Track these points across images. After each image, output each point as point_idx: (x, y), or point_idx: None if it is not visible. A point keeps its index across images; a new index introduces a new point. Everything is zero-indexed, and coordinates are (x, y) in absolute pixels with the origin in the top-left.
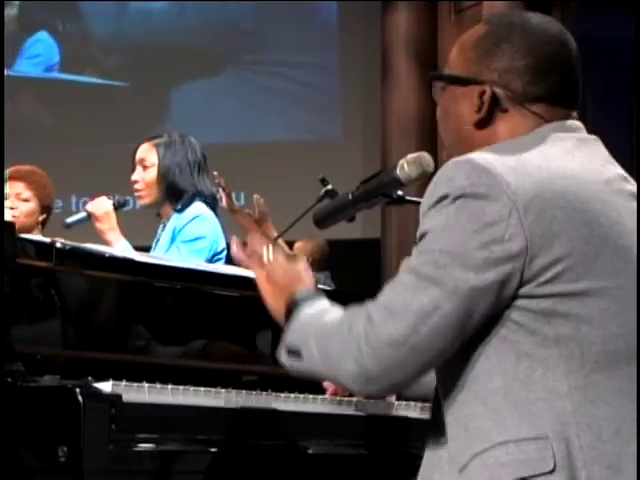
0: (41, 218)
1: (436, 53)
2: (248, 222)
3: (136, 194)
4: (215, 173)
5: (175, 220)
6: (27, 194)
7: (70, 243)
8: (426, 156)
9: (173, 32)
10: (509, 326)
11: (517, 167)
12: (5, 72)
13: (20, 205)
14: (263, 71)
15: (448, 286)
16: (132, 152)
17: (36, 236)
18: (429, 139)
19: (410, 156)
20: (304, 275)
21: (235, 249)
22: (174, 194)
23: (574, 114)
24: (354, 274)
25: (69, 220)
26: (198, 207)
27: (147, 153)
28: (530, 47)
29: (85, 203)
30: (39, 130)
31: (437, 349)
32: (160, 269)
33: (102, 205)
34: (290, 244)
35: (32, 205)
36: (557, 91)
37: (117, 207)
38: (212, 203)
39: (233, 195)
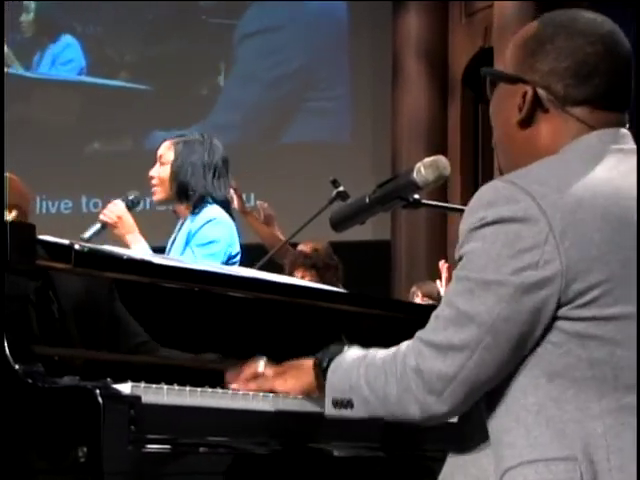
0: (10, 217)
1: (447, 56)
2: (258, 224)
3: (152, 190)
4: (230, 188)
5: (190, 223)
6: None
7: (88, 245)
8: (443, 159)
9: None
10: (544, 345)
11: (557, 187)
12: (24, 73)
13: None
14: (273, 74)
15: (484, 320)
16: (154, 151)
17: (53, 238)
18: (439, 141)
19: (427, 160)
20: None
21: (231, 379)
22: (185, 193)
23: (624, 118)
24: (364, 276)
25: (86, 235)
26: (213, 210)
27: (166, 150)
28: (573, 49)
29: (96, 206)
30: (51, 131)
31: (488, 377)
32: (178, 271)
33: (114, 210)
34: (296, 246)
35: None
36: (602, 94)
37: (130, 207)
38: (227, 207)
39: (244, 196)
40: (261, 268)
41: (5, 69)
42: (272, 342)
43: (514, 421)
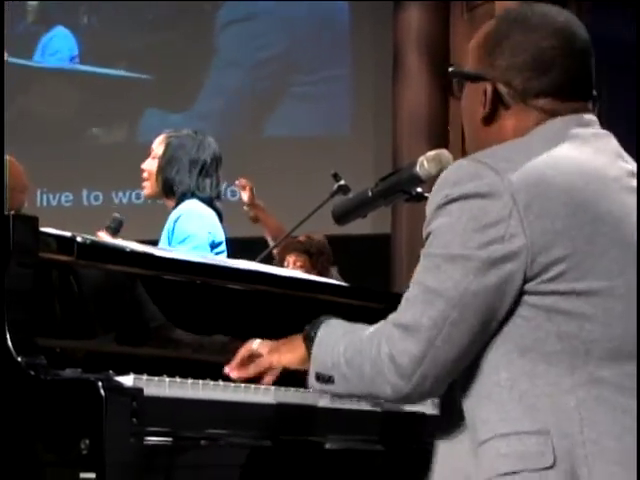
0: None
1: (448, 51)
2: (266, 217)
3: (142, 184)
4: (236, 182)
5: (170, 218)
6: None
7: (91, 237)
8: (446, 153)
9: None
10: (514, 320)
11: (522, 163)
12: (22, 62)
13: None
14: (275, 68)
15: (451, 295)
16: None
17: (55, 230)
18: (440, 136)
19: (430, 153)
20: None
21: (229, 368)
22: (170, 189)
23: (589, 106)
24: (364, 269)
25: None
26: (186, 204)
27: (157, 145)
28: (529, 43)
29: (97, 199)
30: (49, 122)
31: (457, 354)
32: (180, 264)
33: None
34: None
35: None
36: (561, 85)
37: (113, 232)
38: (209, 203)
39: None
40: (263, 261)
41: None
42: (272, 334)
43: (487, 397)
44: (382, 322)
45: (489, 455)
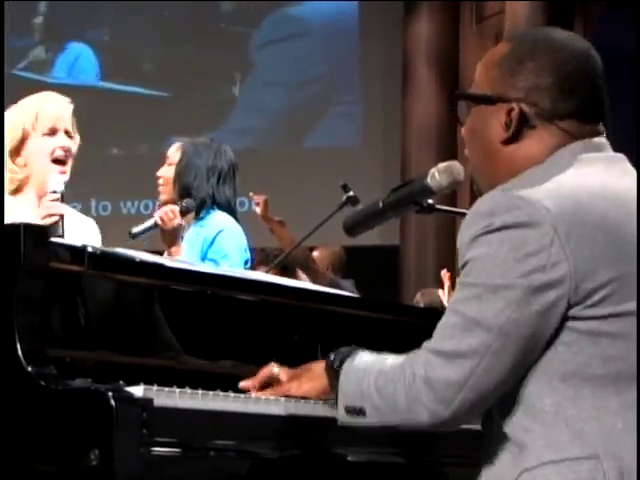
0: None
1: (457, 62)
2: (280, 230)
3: (158, 189)
4: (251, 194)
5: (199, 228)
6: None
7: (101, 247)
8: (457, 165)
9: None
10: (555, 346)
11: (555, 190)
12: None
13: None
14: (283, 79)
15: (492, 325)
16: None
17: (66, 240)
18: (449, 147)
19: (441, 165)
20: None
21: (245, 385)
22: (188, 195)
23: (601, 128)
24: (373, 281)
25: (135, 230)
26: (220, 218)
27: (173, 152)
28: (556, 64)
29: (105, 209)
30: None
31: (498, 383)
32: (190, 274)
33: (172, 215)
34: (311, 250)
35: None
36: (585, 107)
37: (184, 212)
38: (231, 212)
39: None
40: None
41: (20, 73)
42: (282, 345)
43: (531, 422)
44: (415, 351)
45: None
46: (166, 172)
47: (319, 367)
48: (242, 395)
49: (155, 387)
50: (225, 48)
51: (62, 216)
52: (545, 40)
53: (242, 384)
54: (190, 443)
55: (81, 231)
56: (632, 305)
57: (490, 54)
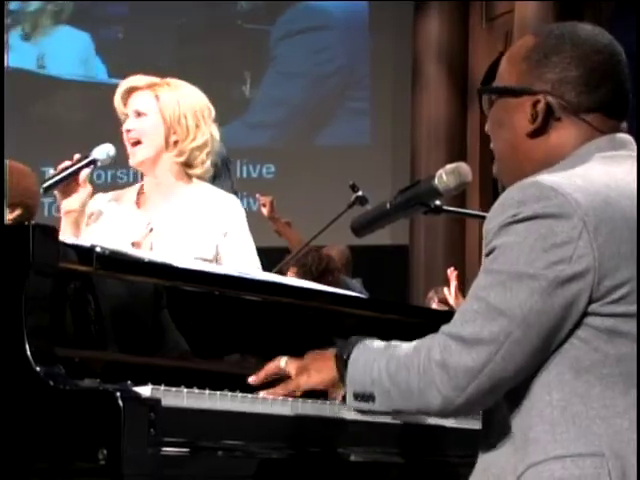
0: (12, 215)
1: (467, 60)
2: (286, 230)
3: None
4: (257, 195)
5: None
6: None
7: (110, 247)
8: (464, 166)
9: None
10: (571, 341)
11: (585, 185)
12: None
13: None
14: (293, 76)
15: (515, 314)
16: None
17: (75, 240)
18: (458, 146)
19: (449, 166)
20: (321, 350)
21: (255, 380)
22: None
23: (624, 125)
24: (382, 280)
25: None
26: None
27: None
28: (582, 58)
29: None
30: (72, 131)
31: (514, 372)
32: (198, 274)
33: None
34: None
35: None
36: (610, 101)
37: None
38: None
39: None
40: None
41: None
42: (290, 345)
43: (539, 417)
44: (430, 336)
45: (543, 478)
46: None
47: (327, 358)
48: (249, 395)
49: (163, 387)
50: (241, 46)
51: None
52: (571, 34)
53: (250, 379)
54: (198, 443)
55: (222, 209)
56: None
57: (515, 47)
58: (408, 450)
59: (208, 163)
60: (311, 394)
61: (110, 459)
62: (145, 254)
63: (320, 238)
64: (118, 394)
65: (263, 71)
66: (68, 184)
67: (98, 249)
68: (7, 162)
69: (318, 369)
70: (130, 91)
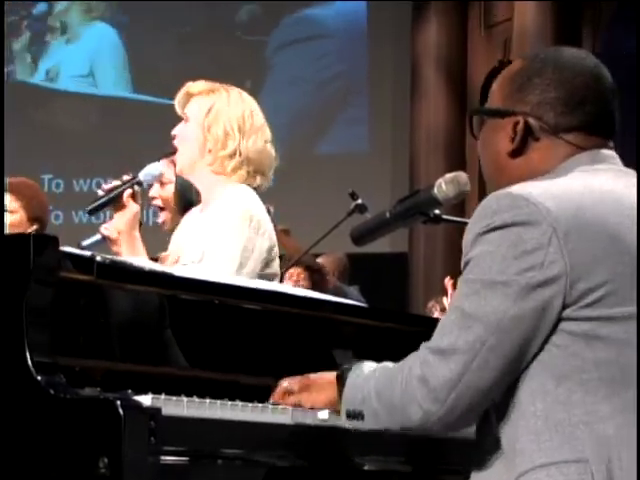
0: (30, 229)
1: (466, 68)
2: (285, 238)
3: (157, 209)
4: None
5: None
6: (13, 206)
7: (110, 257)
8: (463, 176)
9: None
10: (549, 349)
11: (558, 194)
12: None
13: (6, 217)
14: (291, 84)
15: (490, 321)
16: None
17: (75, 250)
18: (457, 152)
19: (448, 175)
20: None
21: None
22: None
23: (610, 144)
24: (381, 288)
25: (84, 243)
26: None
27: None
28: (562, 80)
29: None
30: (74, 142)
31: (491, 381)
32: (198, 284)
33: (114, 226)
34: (315, 257)
35: (18, 217)
36: (591, 121)
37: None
38: None
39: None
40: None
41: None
42: (289, 354)
43: (525, 428)
44: (414, 352)
45: None
46: (162, 191)
47: (329, 378)
48: (250, 404)
49: (163, 396)
50: (240, 57)
51: None
52: (555, 57)
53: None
54: (198, 452)
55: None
56: (625, 310)
57: (505, 71)
58: (414, 458)
59: (242, 172)
60: None
61: (111, 467)
62: (145, 263)
63: (319, 246)
64: (119, 403)
65: (263, 80)
66: (115, 206)
67: (98, 258)
68: (19, 178)
69: (319, 389)
70: (186, 96)
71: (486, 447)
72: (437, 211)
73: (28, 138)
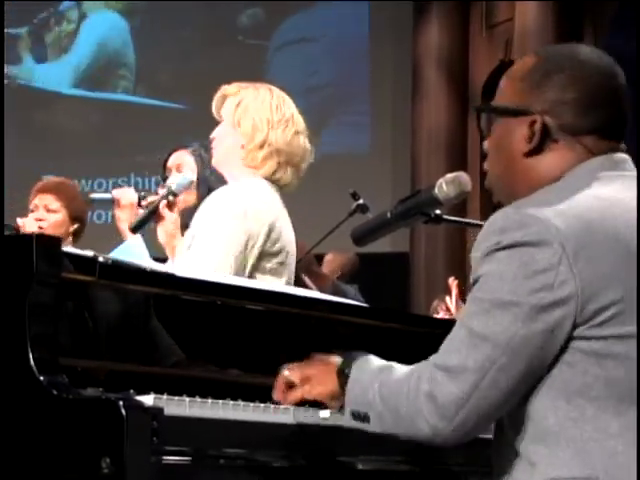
0: (72, 229)
1: (467, 68)
2: None
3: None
4: None
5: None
6: (55, 205)
7: (112, 257)
8: (464, 176)
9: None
10: (559, 366)
11: (567, 210)
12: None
13: (48, 217)
14: (292, 85)
15: (499, 340)
16: (163, 161)
17: (76, 249)
18: (458, 152)
19: (448, 176)
20: (326, 357)
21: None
22: None
23: (622, 146)
24: (383, 287)
25: (94, 195)
26: None
27: (182, 158)
28: (580, 79)
29: (99, 217)
30: (77, 145)
31: (500, 400)
32: (200, 284)
33: (128, 195)
34: (320, 257)
35: (60, 216)
36: (607, 124)
37: (140, 203)
38: None
39: None
40: None
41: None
42: (291, 355)
43: (537, 442)
44: (421, 363)
45: None
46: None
47: (330, 370)
48: (251, 404)
49: (165, 396)
50: (241, 61)
51: None
52: (571, 55)
53: (274, 396)
54: (200, 452)
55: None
56: (635, 328)
57: (516, 66)
58: (413, 458)
59: (272, 162)
60: (311, 403)
61: (113, 468)
62: (147, 264)
63: (321, 246)
64: (121, 403)
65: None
66: (155, 219)
67: (101, 259)
68: (59, 178)
69: (321, 381)
70: (221, 99)
71: (504, 457)
72: (438, 211)
73: (28, 138)
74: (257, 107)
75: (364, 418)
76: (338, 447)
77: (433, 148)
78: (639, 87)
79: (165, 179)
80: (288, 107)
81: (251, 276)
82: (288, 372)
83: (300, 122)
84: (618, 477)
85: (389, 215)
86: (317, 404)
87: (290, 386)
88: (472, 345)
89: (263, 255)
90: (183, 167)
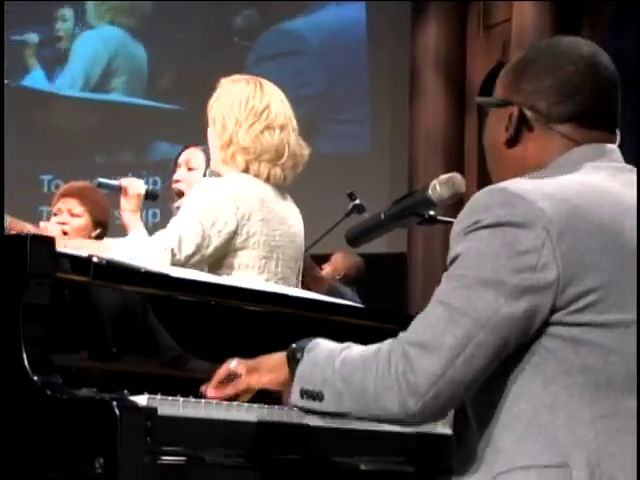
0: (94, 233)
1: (464, 69)
2: None
3: (175, 195)
4: None
5: None
6: (79, 210)
7: (107, 258)
8: (458, 177)
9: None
10: (538, 351)
11: (554, 193)
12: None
13: (72, 221)
14: (291, 83)
15: (480, 316)
16: (174, 158)
17: (74, 251)
18: (456, 154)
19: (442, 177)
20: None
21: (207, 387)
22: None
23: (613, 137)
24: (380, 289)
25: (102, 180)
26: None
27: (193, 155)
28: (555, 68)
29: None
30: (75, 144)
31: (475, 377)
32: (195, 284)
33: (136, 185)
34: (319, 257)
35: (84, 221)
36: (585, 112)
37: (147, 195)
38: None
39: None
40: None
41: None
42: None
43: (506, 427)
44: (388, 340)
45: None
46: (188, 175)
47: (279, 358)
48: (245, 404)
49: (159, 396)
50: (237, 62)
51: None
52: (552, 46)
53: (202, 388)
54: (194, 452)
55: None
56: (617, 316)
57: (509, 62)
58: (415, 459)
59: (239, 160)
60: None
61: (107, 468)
62: (142, 264)
63: (317, 246)
64: (115, 403)
65: None
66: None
67: (95, 259)
68: (81, 183)
69: (269, 369)
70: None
71: (465, 445)
72: (432, 212)
73: (28, 139)
74: (226, 103)
75: (316, 396)
76: (334, 447)
77: (431, 149)
78: (639, 87)
79: (173, 174)
80: (258, 101)
81: (224, 265)
82: (234, 365)
83: (279, 116)
84: (588, 464)
85: (383, 216)
86: (259, 398)
87: (236, 377)
88: (451, 321)
89: (234, 247)
90: (192, 163)
